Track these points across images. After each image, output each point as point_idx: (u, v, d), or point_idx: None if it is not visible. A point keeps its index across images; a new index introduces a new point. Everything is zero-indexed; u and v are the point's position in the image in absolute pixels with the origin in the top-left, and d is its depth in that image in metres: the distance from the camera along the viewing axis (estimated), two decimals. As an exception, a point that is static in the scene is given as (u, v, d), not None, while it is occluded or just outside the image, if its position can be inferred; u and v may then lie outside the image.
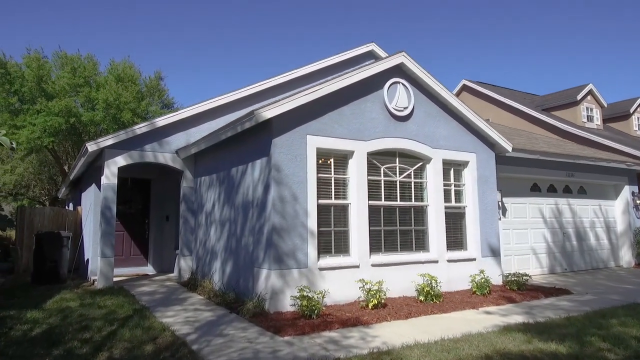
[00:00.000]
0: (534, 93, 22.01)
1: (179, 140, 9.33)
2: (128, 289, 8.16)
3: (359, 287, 6.51)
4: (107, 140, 8.47)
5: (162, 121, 9.01)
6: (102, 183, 8.59)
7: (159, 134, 9.11)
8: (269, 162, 6.45)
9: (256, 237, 6.68)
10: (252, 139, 6.99)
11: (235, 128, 6.93)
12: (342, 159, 7.23)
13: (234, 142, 7.64)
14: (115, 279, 9.38)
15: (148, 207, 10.94)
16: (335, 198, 7.03)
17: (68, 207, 17.21)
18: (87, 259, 10.10)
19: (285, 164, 6.44)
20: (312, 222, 6.56)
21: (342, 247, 7.03)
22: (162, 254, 10.85)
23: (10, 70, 19.85)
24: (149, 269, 10.69)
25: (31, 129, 19.63)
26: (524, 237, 10.52)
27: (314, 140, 6.75)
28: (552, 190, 11.22)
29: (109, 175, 8.55)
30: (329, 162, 7.07)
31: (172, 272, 10.53)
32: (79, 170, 10.69)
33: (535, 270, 10.44)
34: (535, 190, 10.91)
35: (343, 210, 7.11)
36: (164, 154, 9.16)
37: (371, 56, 11.40)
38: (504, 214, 9.96)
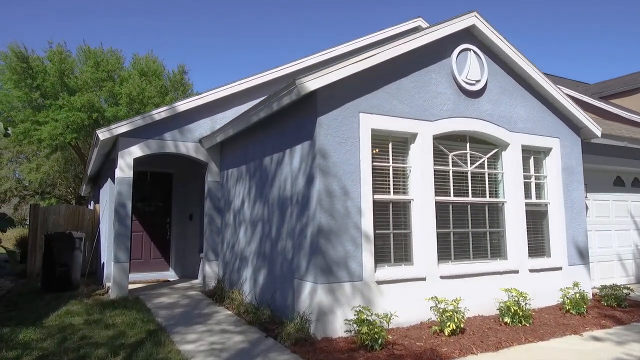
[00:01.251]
0: (583, 81, 19.96)
1: (202, 127, 8.11)
2: (144, 300, 6.98)
3: (430, 307, 5.08)
4: (121, 127, 7.32)
5: (183, 105, 7.80)
6: (115, 176, 7.45)
7: (181, 121, 7.91)
8: (312, 148, 5.10)
9: (297, 240, 5.35)
10: (291, 119, 5.65)
11: (270, 106, 5.61)
12: (401, 143, 5.81)
13: (268, 125, 6.33)
14: (132, 286, 8.25)
15: (170, 205, 9.79)
16: (394, 193, 5.62)
17: (90, 205, 16.41)
18: (103, 263, 9.04)
19: (333, 149, 5.07)
20: (367, 223, 5.18)
21: (403, 254, 5.62)
22: (185, 258, 9.67)
23: (32, 64, 19.26)
24: (170, 274, 9.54)
25: (53, 124, 18.99)
26: (608, 240, 8.83)
27: (369, 120, 5.35)
28: (637, 185, 9.46)
29: (124, 168, 7.40)
30: (386, 147, 5.66)
31: (196, 278, 9.35)
32: (95, 163, 9.64)
33: (621, 279, 8.74)
34: (618, 184, 9.18)
35: (403, 208, 5.69)
36: (186, 144, 7.96)
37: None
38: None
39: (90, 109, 18.79)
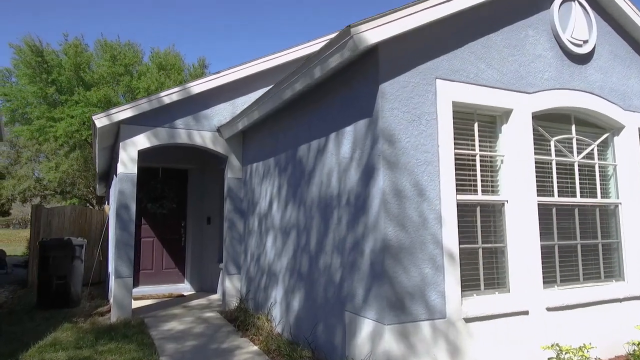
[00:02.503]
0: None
1: (221, 114, 6.72)
2: (149, 326, 5.62)
3: (547, 358, 3.51)
4: (123, 112, 5.99)
5: (198, 86, 6.42)
6: (117, 172, 6.13)
7: (195, 105, 6.54)
8: (372, 128, 3.60)
9: (348, 257, 3.86)
10: (340, 90, 4.16)
11: (311, 72, 4.12)
12: (489, 124, 4.26)
13: (305, 101, 4.86)
14: (139, 303, 6.94)
15: (185, 206, 8.45)
16: (482, 192, 4.07)
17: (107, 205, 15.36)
18: (109, 273, 7.78)
19: (401, 130, 3.56)
20: (450, 235, 3.65)
21: (494, 277, 4.06)
22: (202, 268, 8.31)
23: (47, 58, 18.40)
24: (185, 287, 8.19)
25: (69, 121, 18.07)
26: None
27: (448, 89, 3.82)
28: None
29: (126, 162, 6.07)
30: (469, 128, 4.11)
31: (215, 292, 7.98)
32: (100, 158, 8.41)
33: None
34: None
35: (493, 214, 4.14)
36: (202, 133, 6.58)
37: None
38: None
39: (107, 104, 17.82)
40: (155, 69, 20.87)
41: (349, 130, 3.96)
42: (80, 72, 18.69)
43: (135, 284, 7.91)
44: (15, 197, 26.74)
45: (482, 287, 3.95)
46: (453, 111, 3.86)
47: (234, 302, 6.44)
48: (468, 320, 3.62)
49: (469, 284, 3.88)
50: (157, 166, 8.25)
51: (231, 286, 6.58)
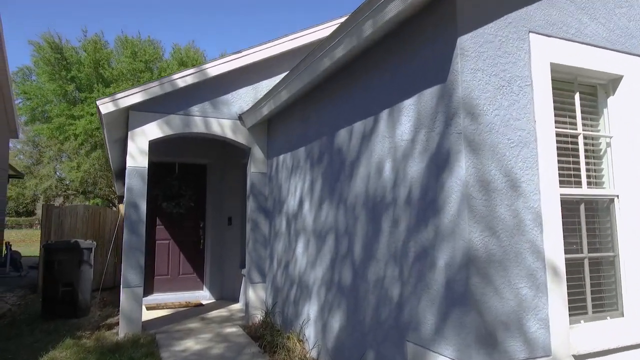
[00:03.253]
0: None
1: (243, 99, 5.90)
2: (161, 345, 4.82)
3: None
4: (132, 97, 5.22)
5: (216, 68, 5.61)
6: (127, 166, 5.36)
7: (213, 89, 5.74)
8: (446, 98, 2.68)
9: (412, 271, 2.94)
10: (397, 52, 3.23)
11: (359, 30, 3.21)
12: (589, 95, 3.27)
13: (349, 73, 3.96)
14: (152, 314, 6.18)
15: (204, 205, 7.67)
16: (587, 184, 3.09)
17: (121, 204, 14.85)
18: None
19: (488, 100, 2.62)
20: (553, 242, 2.68)
21: (603, 296, 3.07)
22: (223, 274, 7.51)
23: (66, 54, 18.06)
24: (203, 295, 7.41)
25: (89, 119, 17.69)
26: None
27: (545, 47, 2.86)
28: None
29: (135, 154, 5.30)
30: (569, 99, 3.14)
31: (237, 301, 7.16)
32: (113, 153, 7.72)
33: None
34: None
35: (597, 213, 3.15)
36: (220, 121, 5.76)
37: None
38: None
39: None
40: (176, 64, 20.37)
41: (409, 105, 3.03)
42: (100, 68, 18.30)
43: (149, 291, 7.17)
44: (39, 197, 26.78)
45: (590, 310, 2.97)
46: (552, 75, 2.89)
47: (258, 316, 5.59)
48: (579, 358, 2.66)
49: (573, 307, 2.91)
50: (173, 161, 7.50)
51: (255, 296, 5.74)
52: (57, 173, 25.02)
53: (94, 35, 18.88)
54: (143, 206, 5.28)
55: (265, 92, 5.77)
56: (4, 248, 11.72)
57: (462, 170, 2.52)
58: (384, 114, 3.32)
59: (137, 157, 5.29)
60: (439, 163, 2.71)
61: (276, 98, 4.95)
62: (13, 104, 11.77)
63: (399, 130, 3.12)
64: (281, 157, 5.51)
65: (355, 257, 3.65)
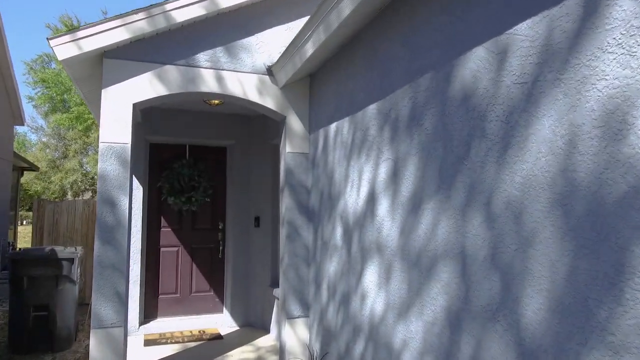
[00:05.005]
0: None
1: (271, 44, 3.98)
2: None
3: None
4: (105, 34, 3.38)
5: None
6: (99, 142, 3.53)
7: (228, 28, 3.84)
8: None
9: None
10: None
11: None
12: None
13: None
14: (150, 354, 4.39)
15: (223, 201, 5.82)
16: None
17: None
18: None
19: None
20: None
21: None
22: (249, 291, 5.63)
23: (84, 37, 16.79)
24: (223, 320, 5.56)
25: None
26: None
27: None
28: None
29: (110, 123, 3.47)
30: None
31: (267, 329, 5.29)
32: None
33: None
34: None
35: None
36: (240, 75, 3.86)
37: None
38: None
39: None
40: None
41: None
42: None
43: (151, 315, 5.41)
44: (67, 191, 26.07)
45: None
46: None
47: (299, 369, 3.70)
48: None
49: None
50: (183, 142, 5.67)
51: (293, 337, 3.83)
52: (83, 166, 24.09)
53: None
54: (124, 203, 3.45)
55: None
56: (8, 246, 10.42)
57: None
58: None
59: (114, 127, 3.46)
60: None
61: (327, 27, 2.97)
62: (15, 86, 10.41)
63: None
64: (332, 126, 3.55)
65: (526, 320, 1.66)
